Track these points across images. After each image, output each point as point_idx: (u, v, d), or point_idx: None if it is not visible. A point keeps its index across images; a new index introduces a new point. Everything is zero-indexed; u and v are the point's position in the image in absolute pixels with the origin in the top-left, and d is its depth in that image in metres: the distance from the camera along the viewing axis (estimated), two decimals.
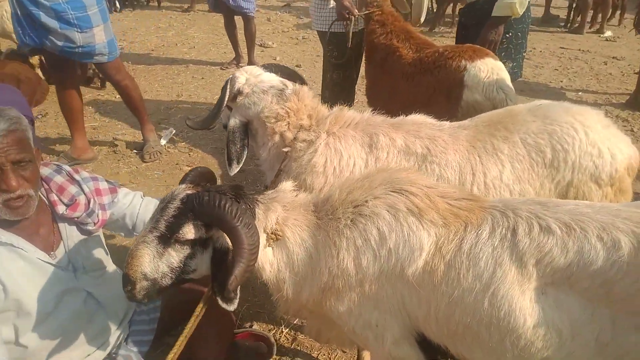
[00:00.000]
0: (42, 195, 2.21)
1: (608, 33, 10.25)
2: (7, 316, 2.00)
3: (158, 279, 1.74)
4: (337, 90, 4.49)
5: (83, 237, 2.31)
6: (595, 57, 8.74)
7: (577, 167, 2.24)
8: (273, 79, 2.45)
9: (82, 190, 2.31)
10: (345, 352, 2.80)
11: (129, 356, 2.41)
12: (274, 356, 2.81)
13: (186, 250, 1.73)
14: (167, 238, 1.69)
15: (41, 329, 2.07)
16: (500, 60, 4.09)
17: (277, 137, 2.38)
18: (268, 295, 2.26)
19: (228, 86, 2.39)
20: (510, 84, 3.31)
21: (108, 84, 7.08)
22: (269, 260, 1.80)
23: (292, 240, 1.79)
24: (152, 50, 8.90)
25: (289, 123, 2.35)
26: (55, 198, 2.23)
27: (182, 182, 1.91)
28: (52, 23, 4.02)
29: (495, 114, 2.42)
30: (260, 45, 9.00)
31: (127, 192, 2.57)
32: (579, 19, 10.70)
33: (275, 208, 1.81)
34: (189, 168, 2.57)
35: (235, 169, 2.42)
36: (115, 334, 2.40)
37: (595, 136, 2.23)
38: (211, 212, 1.63)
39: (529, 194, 2.27)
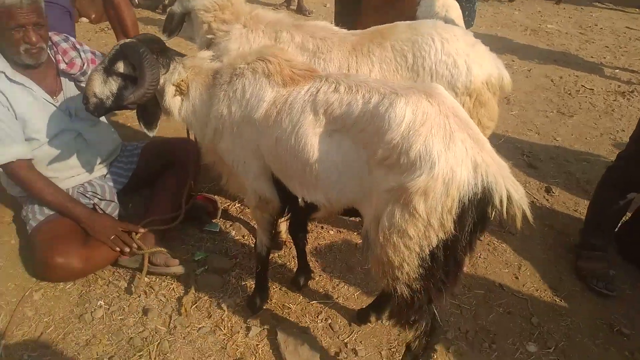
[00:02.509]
0: (50, 54, 3.08)
1: None
2: (21, 136, 2.89)
3: (104, 100, 2.48)
4: None
5: (78, 92, 3.17)
6: None
7: (434, 73, 2.66)
8: None
9: (80, 56, 3.19)
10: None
11: (103, 186, 3.29)
12: (219, 218, 3.55)
13: (120, 82, 2.44)
14: (108, 69, 2.44)
15: (41, 150, 2.97)
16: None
17: (205, 27, 3.01)
18: None
19: None
20: (460, 24, 3.63)
21: None
22: (177, 106, 2.49)
23: (193, 94, 2.46)
24: None
25: (214, 16, 2.97)
26: (60, 58, 3.10)
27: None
28: None
29: (385, 26, 2.86)
30: None
31: None
32: None
33: (180, 68, 2.47)
34: None
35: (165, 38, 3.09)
36: (97, 167, 3.30)
37: (451, 48, 2.63)
38: (132, 53, 2.36)
39: None
